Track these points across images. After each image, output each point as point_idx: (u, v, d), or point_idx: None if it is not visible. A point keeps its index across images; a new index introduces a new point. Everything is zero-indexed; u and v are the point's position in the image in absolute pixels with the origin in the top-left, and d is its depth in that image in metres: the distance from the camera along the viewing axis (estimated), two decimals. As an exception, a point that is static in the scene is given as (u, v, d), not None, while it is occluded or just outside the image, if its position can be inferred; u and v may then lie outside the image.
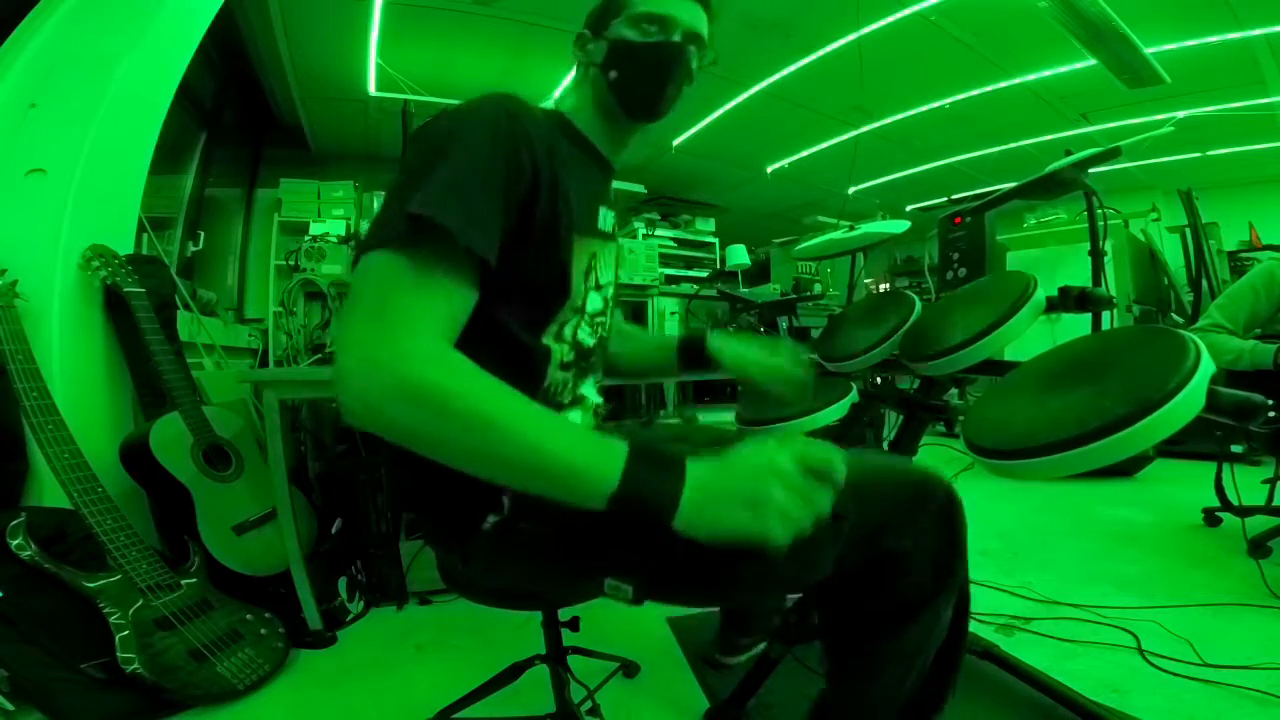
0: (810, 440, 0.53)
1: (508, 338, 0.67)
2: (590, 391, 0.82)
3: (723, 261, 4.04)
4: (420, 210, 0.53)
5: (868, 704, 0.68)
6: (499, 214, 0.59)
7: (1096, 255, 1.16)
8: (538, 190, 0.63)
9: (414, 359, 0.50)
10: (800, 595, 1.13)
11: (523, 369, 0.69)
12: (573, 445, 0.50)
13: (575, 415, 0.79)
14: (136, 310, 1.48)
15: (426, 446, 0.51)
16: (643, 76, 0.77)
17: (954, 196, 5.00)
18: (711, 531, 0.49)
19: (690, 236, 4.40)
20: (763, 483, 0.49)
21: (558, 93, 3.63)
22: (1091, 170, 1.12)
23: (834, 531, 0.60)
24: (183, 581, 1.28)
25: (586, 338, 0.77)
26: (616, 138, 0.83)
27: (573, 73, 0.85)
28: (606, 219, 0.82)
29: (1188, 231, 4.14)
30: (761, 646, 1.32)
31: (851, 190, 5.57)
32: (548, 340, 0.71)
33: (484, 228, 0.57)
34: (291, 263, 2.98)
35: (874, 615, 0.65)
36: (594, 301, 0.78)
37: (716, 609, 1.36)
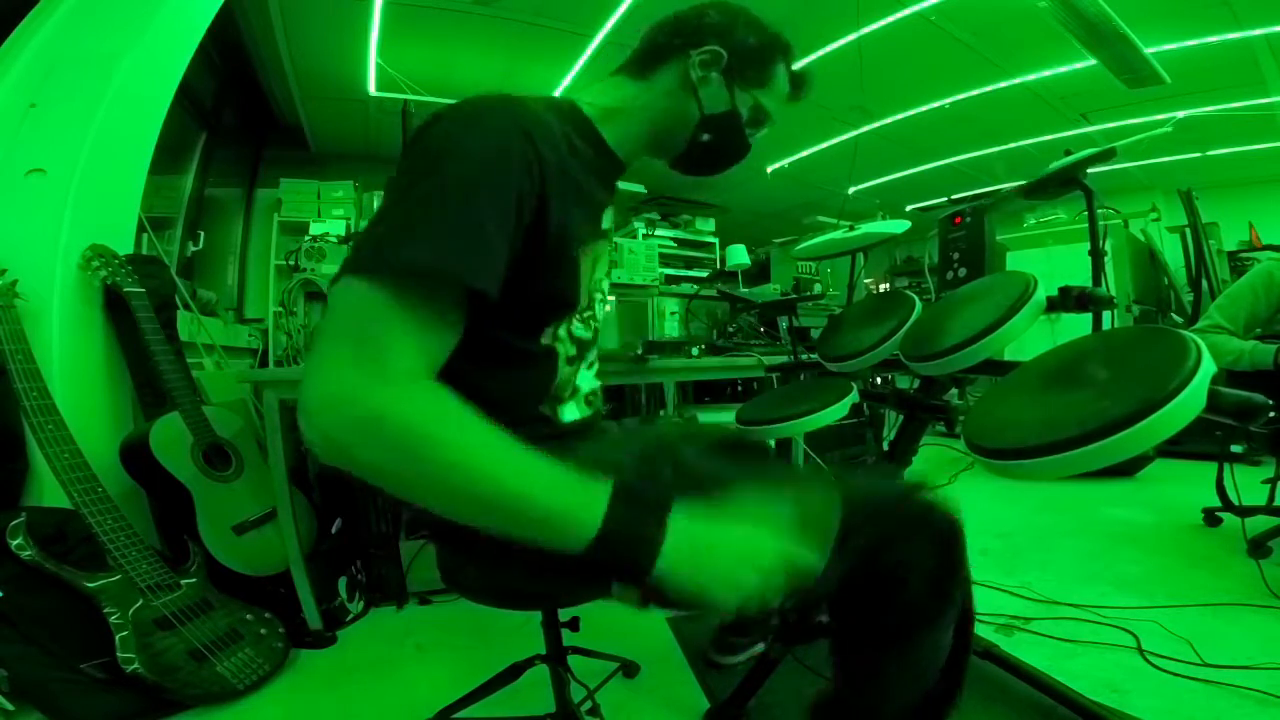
0: (813, 494, 0.53)
1: (506, 348, 0.66)
2: (585, 380, 0.81)
3: (723, 261, 4.04)
4: (421, 261, 0.50)
5: (879, 712, 0.68)
6: (506, 246, 0.56)
7: (1096, 255, 1.16)
8: (546, 214, 0.60)
9: (383, 395, 0.47)
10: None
11: (532, 373, 0.69)
12: (552, 489, 0.48)
13: (570, 408, 0.78)
14: (136, 310, 1.48)
15: (391, 486, 0.48)
16: (716, 163, 0.80)
17: (954, 196, 4.99)
18: (682, 593, 0.48)
19: (690, 236, 4.40)
20: (747, 567, 0.49)
21: (558, 92, 3.61)
22: (1091, 170, 1.12)
23: (838, 547, 0.60)
24: (183, 581, 1.28)
25: (583, 331, 0.77)
26: (637, 149, 0.80)
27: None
28: (606, 218, 0.81)
29: (1188, 231, 4.14)
30: (759, 647, 1.32)
31: (851, 190, 5.56)
32: (546, 341, 0.70)
33: (489, 263, 0.54)
34: (291, 263, 2.97)
35: (877, 628, 0.65)
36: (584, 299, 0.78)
37: None
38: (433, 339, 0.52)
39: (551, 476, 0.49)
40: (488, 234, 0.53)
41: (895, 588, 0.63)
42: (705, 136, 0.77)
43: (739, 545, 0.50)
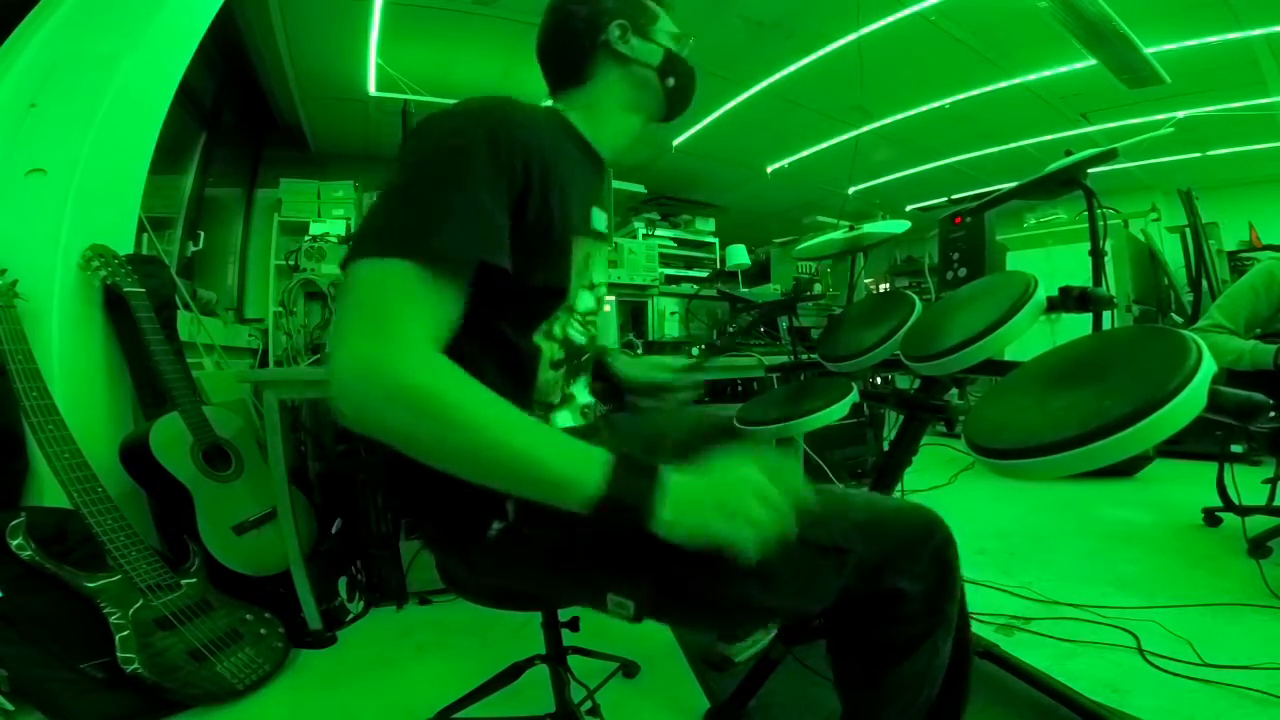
0: (781, 462, 0.56)
1: (498, 337, 0.68)
2: (580, 391, 0.83)
3: (723, 261, 4.04)
4: (450, 249, 0.56)
5: None
6: (506, 221, 0.62)
7: (1097, 255, 1.15)
8: (529, 194, 0.64)
9: (410, 365, 0.51)
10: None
11: (513, 368, 0.70)
12: (559, 452, 0.53)
13: (564, 415, 0.79)
14: (136, 310, 1.48)
15: (420, 450, 0.52)
16: (689, 88, 0.89)
17: (954, 196, 5.00)
18: (689, 534, 0.52)
19: (690, 236, 4.39)
20: (738, 493, 0.53)
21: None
22: (1092, 170, 1.12)
23: (837, 565, 0.62)
24: (183, 581, 1.28)
25: (577, 335, 0.78)
26: (627, 135, 0.86)
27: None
28: (599, 219, 0.83)
29: (1188, 231, 4.14)
30: (760, 641, 1.32)
31: (851, 190, 5.56)
32: (538, 339, 0.71)
33: (500, 239, 0.60)
34: (291, 263, 2.97)
35: (876, 646, 0.66)
36: (585, 300, 0.79)
37: None
38: (444, 313, 0.58)
39: (558, 441, 0.54)
40: (492, 213, 0.60)
41: (891, 608, 0.64)
42: (670, 81, 0.86)
43: (733, 479, 0.54)
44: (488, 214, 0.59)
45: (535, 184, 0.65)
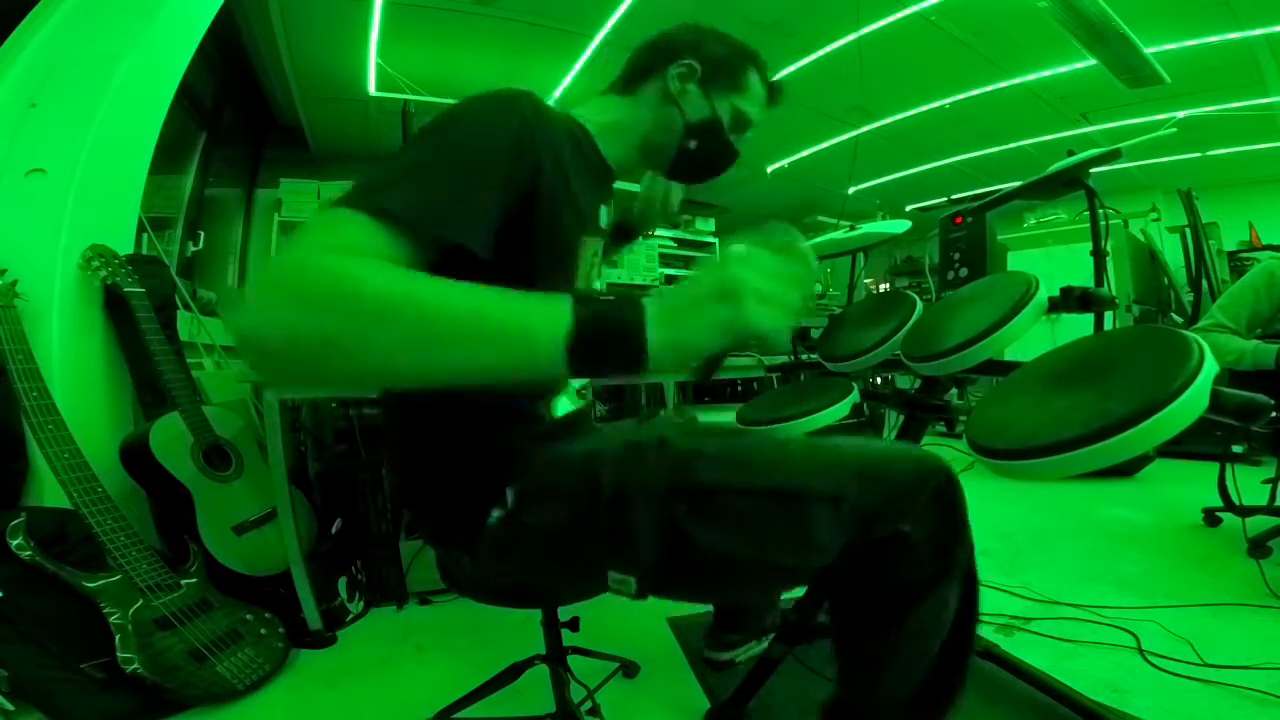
0: (785, 237, 0.51)
1: None
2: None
3: (723, 261, 4.03)
4: (394, 209, 0.50)
5: (881, 694, 0.66)
6: (491, 207, 0.58)
7: (1099, 255, 1.16)
8: (539, 185, 0.63)
9: (315, 259, 0.44)
10: (800, 595, 1.13)
11: None
12: (512, 301, 0.45)
13: (564, 401, 0.81)
14: (136, 310, 1.48)
15: (347, 350, 0.42)
16: (708, 168, 0.87)
17: (954, 196, 4.99)
18: (691, 337, 0.45)
19: (690, 236, 4.38)
20: (730, 272, 0.45)
21: (559, 91, 3.64)
22: (1092, 170, 1.12)
23: (834, 513, 0.60)
24: (183, 581, 1.28)
25: None
26: (630, 162, 0.86)
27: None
28: (604, 216, 0.85)
29: (1188, 231, 4.14)
30: (753, 647, 1.32)
31: (851, 190, 5.56)
32: None
33: (469, 220, 0.55)
34: (291, 263, 2.97)
35: (880, 600, 0.63)
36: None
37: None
38: (385, 248, 0.50)
39: (507, 293, 0.45)
40: (468, 194, 0.56)
41: (896, 554, 0.61)
42: (692, 144, 0.83)
43: (721, 280, 0.45)
44: (460, 191, 0.55)
45: (547, 173, 0.63)
